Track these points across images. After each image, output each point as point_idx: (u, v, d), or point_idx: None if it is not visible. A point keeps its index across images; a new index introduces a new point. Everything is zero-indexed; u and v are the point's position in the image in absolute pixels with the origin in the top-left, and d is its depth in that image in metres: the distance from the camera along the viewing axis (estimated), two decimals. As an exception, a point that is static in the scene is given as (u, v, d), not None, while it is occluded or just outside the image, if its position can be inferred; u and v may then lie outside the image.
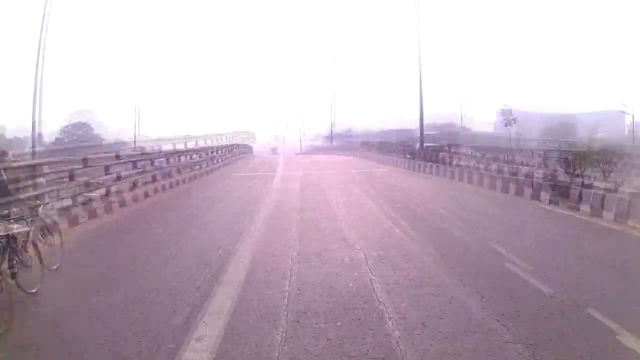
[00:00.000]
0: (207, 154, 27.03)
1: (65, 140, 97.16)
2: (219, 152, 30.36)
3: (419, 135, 32.17)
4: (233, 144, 40.92)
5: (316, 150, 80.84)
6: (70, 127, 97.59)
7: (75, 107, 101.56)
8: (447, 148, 26.22)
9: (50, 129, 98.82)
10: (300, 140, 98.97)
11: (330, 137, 69.34)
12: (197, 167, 24.01)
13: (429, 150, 27.74)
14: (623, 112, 46.74)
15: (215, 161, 29.30)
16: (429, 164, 23.79)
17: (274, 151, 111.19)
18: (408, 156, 30.61)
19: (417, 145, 30.64)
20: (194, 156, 24.49)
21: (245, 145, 59.70)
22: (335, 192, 16.16)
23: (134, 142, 69.70)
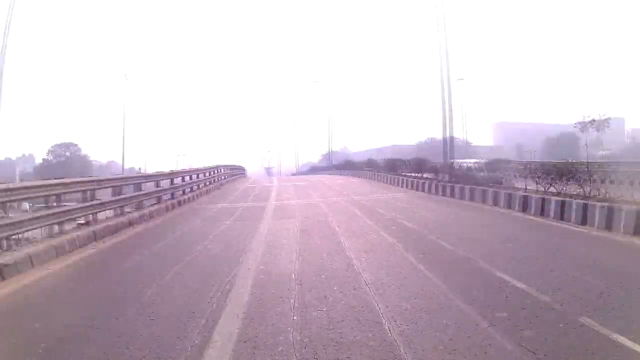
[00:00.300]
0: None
1: (54, 162, 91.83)
2: (196, 176, 24.29)
3: (418, 152, 26.87)
4: (218, 166, 34.78)
5: (313, 170, 74.97)
6: (57, 147, 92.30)
7: (59, 139, 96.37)
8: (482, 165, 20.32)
9: (39, 160, 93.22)
10: (296, 160, 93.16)
11: (329, 156, 63.29)
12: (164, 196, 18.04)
13: (462, 169, 21.79)
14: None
15: (192, 188, 23.31)
16: (470, 187, 17.76)
17: (268, 172, 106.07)
18: (428, 176, 24.71)
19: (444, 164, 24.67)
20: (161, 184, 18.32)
21: (238, 167, 53.79)
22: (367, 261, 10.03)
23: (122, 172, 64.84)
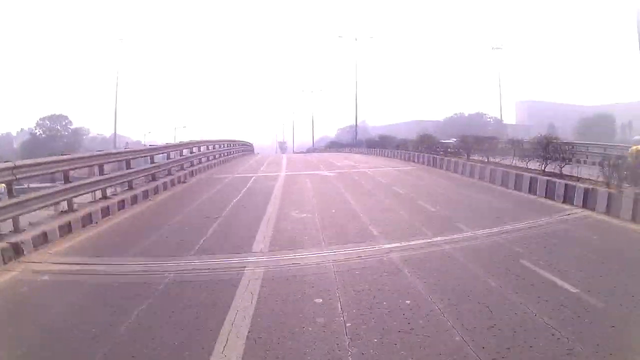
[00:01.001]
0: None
1: (43, 136, 79.93)
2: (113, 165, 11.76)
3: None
4: (198, 142, 22.09)
5: (332, 146, 61.49)
6: (45, 120, 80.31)
7: (49, 111, 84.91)
8: None
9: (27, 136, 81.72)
10: (313, 134, 79.63)
11: (355, 129, 49.01)
12: None
13: None
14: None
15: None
16: None
17: (281, 147, 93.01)
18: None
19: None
20: None
21: (243, 143, 41.11)
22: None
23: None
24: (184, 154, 17.44)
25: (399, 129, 71.32)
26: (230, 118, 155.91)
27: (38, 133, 77.21)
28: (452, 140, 24.01)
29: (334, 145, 56.64)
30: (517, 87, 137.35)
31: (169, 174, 15.59)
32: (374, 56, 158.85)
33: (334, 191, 12.99)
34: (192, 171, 17.76)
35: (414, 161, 23.38)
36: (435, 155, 20.42)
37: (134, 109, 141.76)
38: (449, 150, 19.97)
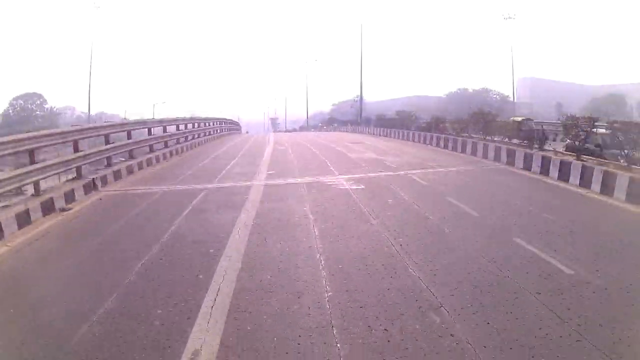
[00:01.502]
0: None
1: (16, 117, 72.03)
2: None
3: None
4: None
5: (330, 123, 52.65)
6: (19, 99, 71.89)
7: (21, 90, 76.54)
8: None
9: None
10: (307, 110, 70.57)
11: (360, 105, 39.76)
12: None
13: None
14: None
15: None
16: None
17: (273, 123, 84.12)
18: None
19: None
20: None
21: (226, 122, 33.00)
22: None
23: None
24: (80, 149, 9.16)
25: (397, 104, 64.13)
26: (219, 92, 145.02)
27: (11, 113, 68.98)
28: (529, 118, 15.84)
29: (332, 123, 48.21)
30: (518, 62, 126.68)
31: (37, 193, 7.42)
32: (371, 27, 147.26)
33: (390, 276, 4.81)
34: (93, 180, 9.50)
35: (463, 152, 15.32)
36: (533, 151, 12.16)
37: (119, 85, 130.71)
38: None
